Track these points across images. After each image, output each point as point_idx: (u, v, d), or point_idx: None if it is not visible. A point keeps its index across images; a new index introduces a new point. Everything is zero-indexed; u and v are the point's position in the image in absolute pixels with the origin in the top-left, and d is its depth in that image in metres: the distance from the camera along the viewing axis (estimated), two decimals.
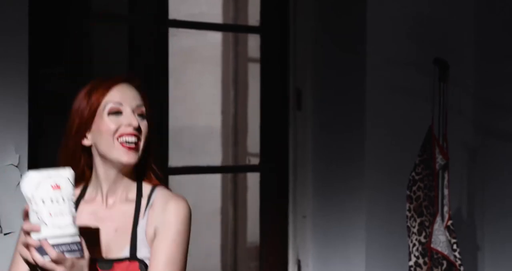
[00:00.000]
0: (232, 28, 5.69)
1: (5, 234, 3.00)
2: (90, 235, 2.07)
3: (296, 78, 4.10)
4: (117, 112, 2.12)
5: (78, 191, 2.15)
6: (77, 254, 1.90)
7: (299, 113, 4.09)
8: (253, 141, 5.38)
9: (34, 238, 1.87)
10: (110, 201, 2.16)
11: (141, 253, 2.09)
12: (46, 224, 1.87)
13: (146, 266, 2.09)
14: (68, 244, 1.89)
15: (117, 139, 2.11)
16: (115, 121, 2.12)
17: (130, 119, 2.12)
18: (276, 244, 4.12)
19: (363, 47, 3.81)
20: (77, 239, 1.91)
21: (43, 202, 1.88)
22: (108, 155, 2.12)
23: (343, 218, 3.91)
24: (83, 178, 2.18)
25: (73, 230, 1.90)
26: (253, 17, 5.14)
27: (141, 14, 3.65)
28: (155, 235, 2.11)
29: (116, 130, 2.11)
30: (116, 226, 2.13)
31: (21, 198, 3.00)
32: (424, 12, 3.94)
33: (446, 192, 3.61)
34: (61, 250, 1.88)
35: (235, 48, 5.84)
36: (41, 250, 1.86)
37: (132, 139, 2.12)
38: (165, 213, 2.13)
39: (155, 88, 3.64)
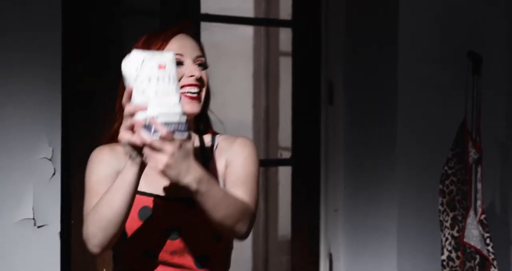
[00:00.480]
0: (264, 22, 5.68)
1: (38, 227, 3.03)
2: (159, 178, 2.00)
3: (327, 72, 4.09)
4: (178, 63, 2.08)
5: None
6: (185, 135, 1.83)
7: (330, 108, 4.09)
8: (284, 135, 5.38)
9: (140, 117, 1.81)
10: None
11: None
12: (153, 102, 1.80)
13: None
14: (176, 123, 1.82)
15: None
16: (177, 72, 2.06)
17: (192, 70, 2.10)
18: (308, 238, 4.12)
19: (395, 41, 3.79)
20: (184, 118, 1.84)
21: (149, 80, 1.81)
22: None
23: (374, 212, 3.90)
24: None
25: (180, 109, 1.84)
26: (285, 11, 5.14)
27: (172, 9, 3.65)
28: (226, 167, 2.14)
29: (179, 80, 2.07)
30: None
31: (55, 191, 3.04)
32: (456, 4, 3.92)
33: (479, 186, 3.59)
34: (170, 129, 1.80)
35: (267, 42, 5.83)
36: (148, 129, 1.79)
37: (195, 90, 2.10)
38: (232, 146, 2.16)
39: None
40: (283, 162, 4.59)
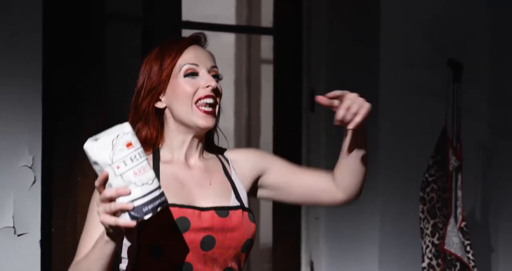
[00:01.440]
0: (246, 29, 5.69)
1: (19, 235, 3.01)
2: (183, 190, 2.03)
3: (309, 79, 4.10)
4: (193, 74, 2.07)
5: (150, 154, 2.09)
6: (166, 203, 1.84)
7: (312, 115, 4.09)
8: (266, 142, 5.38)
9: (125, 201, 1.78)
10: (191, 161, 2.13)
11: (246, 203, 2.12)
12: (135, 184, 1.80)
13: (253, 215, 2.13)
14: (159, 197, 1.82)
15: (195, 103, 2.07)
16: (192, 83, 2.08)
17: (208, 80, 2.09)
18: (289, 246, 4.12)
19: (377, 49, 3.80)
20: (162, 189, 1.84)
21: (124, 163, 1.80)
22: (185, 119, 2.08)
23: (356, 220, 3.90)
24: (153, 140, 2.11)
25: (158, 183, 1.84)
26: (266, 18, 5.14)
27: (155, 16, 3.65)
28: (260, 172, 2.20)
29: (194, 93, 2.07)
30: (209, 179, 2.11)
31: (35, 199, 3.03)
32: (438, 13, 3.93)
33: (459, 193, 3.60)
34: (156, 204, 1.81)
35: (248, 49, 5.84)
36: (137, 212, 1.79)
37: (211, 101, 2.08)
38: (250, 155, 2.22)
39: None
40: None
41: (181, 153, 2.11)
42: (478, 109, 4.03)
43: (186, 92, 2.07)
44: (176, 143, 2.11)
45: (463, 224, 3.59)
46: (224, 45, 5.68)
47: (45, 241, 3.11)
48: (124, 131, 1.83)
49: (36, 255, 3.05)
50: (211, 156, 2.18)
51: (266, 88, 5.40)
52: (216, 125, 2.15)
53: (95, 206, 1.90)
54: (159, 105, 2.10)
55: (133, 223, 1.79)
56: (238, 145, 5.86)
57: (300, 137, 4.11)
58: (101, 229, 1.88)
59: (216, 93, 2.10)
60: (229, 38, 5.75)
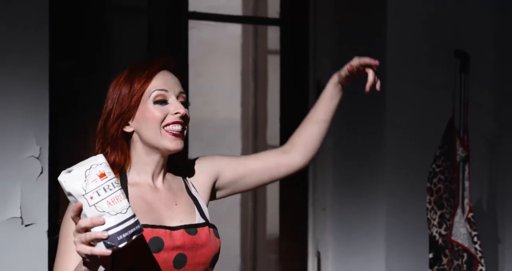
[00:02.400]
0: (252, 20, 5.68)
1: (26, 226, 3.02)
2: (152, 211, 2.07)
3: (316, 70, 4.09)
4: (162, 101, 2.11)
5: (117, 177, 2.11)
6: (142, 231, 1.88)
7: None
8: (272, 133, 5.38)
9: (99, 230, 1.82)
10: (157, 183, 2.16)
11: (210, 219, 2.18)
12: (109, 213, 1.83)
13: (217, 231, 2.18)
14: (133, 225, 1.85)
15: (163, 128, 2.11)
16: (161, 109, 2.11)
17: (177, 107, 2.12)
18: (296, 237, 4.12)
19: (383, 39, 3.79)
20: (137, 218, 1.88)
21: (98, 193, 1.84)
22: (154, 143, 2.12)
23: (363, 210, 3.90)
24: (121, 164, 2.14)
25: (132, 212, 1.87)
26: (273, 9, 5.14)
27: (160, 6, 3.65)
28: (216, 177, 2.28)
29: (163, 119, 2.11)
30: (174, 200, 2.15)
31: (42, 190, 3.03)
32: (444, 3, 3.92)
33: (466, 184, 3.60)
34: (130, 232, 1.84)
35: (255, 40, 5.83)
36: (112, 241, 1.82)
37: (179, 128, 2.12)
38: (202, 167, 2.27)
39: None
40: None
41: (147, 175, 2.15)
42: (485, 100, 4.02)
43: (155, 118, 2.10)
44: (142, 165, 2.15)
45: (470, 214, 3.58)
46: (230, 36, 5.67)
47: (53, 231, 3.12)
48: (97, 162, 1.87)
49: (44, 246, 3.06)
50: (174, 176, 2.21)
51: (273, 79, 5.40)
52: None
53: (68, 232, 1.96)
54: (127, 129, 2.13)
55: (108, 252, 1.81)
56: (245, 136, 5.85)
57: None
58: (74, 256, 1.92)
59: (185, 119, 2.14)
60: (236, 29, 5.74)
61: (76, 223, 1.84)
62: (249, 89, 5.87)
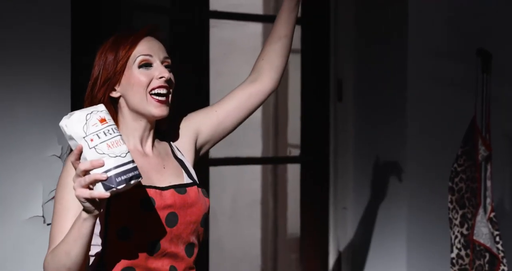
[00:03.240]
0: (273, 19, 5.67)
1: (48, 224, 3.03)
2: (143, 174, 2.08)
3: (337, 69, 4.08)
4: (147, 65, 2.15)
5: None
6: (140, 178, 1.91)
7: (340, 105, 4.08)
8: (293, 132, 5.37)
9: (98, 172, 1.85)
10: (146, 149, 2.21)
11: (197, 180, 2.23)
12: (108, 155, 1.87)
13: (206, 190, 2.24)
14: (132, 169, 1.89)
15: (149, 92, 2.15)
16: (146, 74, 2.15)
17: (161, 71, 2.15)
18: (317, 236, 4.12)
19: (405, 38, 3.78)
20: (135, 164, 1.91)
21: (98, 136, 1.88)
22: (139, 108, 2.16)
23: (384, 210, 3.89)
24: None
25: (131, 157, 1.91)
26: None
27: (181, 5, 3.65)
28: (197, 135, 2.33)
29: (148, 83, 2.15)
30: (162, 164, 2.20)
31: None
32: (466, 2, 3.90)
33: (488, 183, 3.58)
34: (129, 176, 1.88)
35: None
36: (110, 182, 1.85)
37: (164, 91, 2.16)
38: (182, 131, 2.32)
39: (196, 79, 3.65)
40: (292, 160, 4.60)
41: (136, 140, 2.20)
42: (507, 99, 4.00)
43: (140, 83, 2.14)
44: (130, 130, 2.19)
45: (492, 214, 3.57)
46: (251, 34, 5.67)
47: None
48: (98, 109, 1.93)
49: None
50: (159, 141, 2.27)
51: (294, 78, 5.39)
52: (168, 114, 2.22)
53: (63, 194, 2.02)
54: (114, 94, 2.18)
55: (107, 194, 1.85)
56: (266, 135, 5.85)
57: (328, 127, 4.10)
58: (71, 215, 1.98)
59: (169, 83, 2.17)
60: (257, 28, 5.74)
61: (75, 168, 1.88)
62: None
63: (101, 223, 2.04)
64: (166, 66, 2.18)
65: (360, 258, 4.03)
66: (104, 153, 1.87)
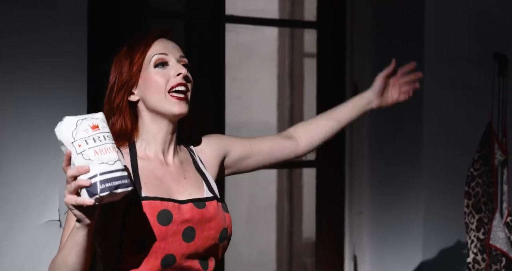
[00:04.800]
0: (289, 23, 5.68)
1: None
2: (162, 185, 2.10)
3: (352, 73, 4.08)
4: (163, 64, 2.14)
5: (127, 149, 2.15)
6: (129, 188, 1.89)
7: None
8: None
9: (84, 178, 1.84)
10: (168, 158, 2.18)
11: (217, 194, 2.20)
12: (94, 161, 1.85)
13: (226, 205, 2.21)
14: (119, 178, 1.87)
15: (168, 93, 2.13)
16: (163, 73, 2.13)
17: (178, 68, 2.14)
18: (332, 240, 4.12)
19: (421, 42, 3.78)
20: (126, 173, 1.89)
21: (86, 142, 1.87)
22: (159, 108, 2.13)
23: (400, 214, 3.88)
24: (128, 131, 2.16)
25: (121, 165, 1.89)
26: (310, 12, 5.14)
27: (198, 10, 3.66)
28: (223, 157, 2.33)
29: (166, 83, 2.13)
30: (183, 175, 2.18)
31: None
32: (482, 6, 3.89)
33: (505, 188, 3.57)
34: (115, 184, 1.86)
35: (292, 43, 5.84)
36: (94, 189, 1.84)
37: (183, 88, 2.13)
38: (210, 145, 2.30)
39: (212, 84, 3.66)
40: (308, 164, 4.59)
41: (158, 147, 2.17)
42: None
43: (158, 83, 2.13)
44: (151, 135, 2.16)
45: (509, 218, 3.55)
46: (267, 39, 5.68)
47: None
48: (94, 116, 1.92)
49: None
50: (183, 150, 2.24)
51: (309, 82, 5.40)
52: (189, 113, 2.19)
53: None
54: (132, 98, 2.16)
55: (90, 201, 1.84)
56: None
57: (343, 131, 4.10)
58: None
59: (187, 80, 2.15)
60: (272, 32, 5.75)
61: (65, 172, 1.88)
62: (286, 93, 5.87)
63: (117, 234, 2.03)
64: (183, 65, 2.16)
65: (376, 263, 4.03)
66: (90, 159, 1.85)
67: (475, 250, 3.54)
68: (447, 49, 3.81)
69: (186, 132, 2.25)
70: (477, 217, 3.55)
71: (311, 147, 2.48)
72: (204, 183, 2.19)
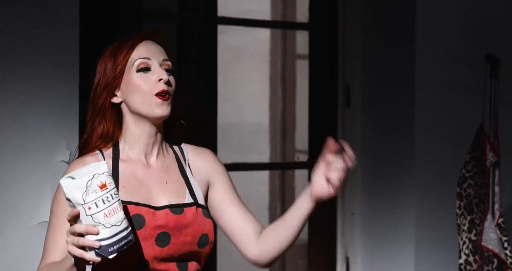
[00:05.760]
0: (281, 25, 5.69)
1: None
2: (141, 188, 2.10)
3: (345, 75, 4.08)
4: (145, 69, 2.14)
5: (109, 151, 2.16)
6: (132, 241, 1.93)
7: (347, 110, 4.08)
8: (301, 138, 5.38)
9: (92, 239, 1.87)
10: (151, 160, 2.18)
11: (200, 200, 2.17)
12: (104, 225, 1.89)
13: (208, 211, 2.18)
14: (125, 237, 1.91)
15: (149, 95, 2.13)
16: (145, 78, 2.13)
17: (159, 74, 2.13)
18: (325, 242, 4.11)
19: (413, 44, 3.78)
20: (130, 229, 1.93)
21: (96, 205, 1.89)
22: (141, 110, 2.13)
23: (392, 215, 3.89)
24: (109, 134, 2.17)
25: (126, 223, 1.92)
26: (302, 13, 5.14)
27: (190, 12, 3.66)
28: (209, 182, 2.23)
29: (148, 88, 2.12)
30: (165, 178, 2.17)
31: None
32: (474, 7, 3.90)
33: (497, 189, 3.58)
34: (122, 244, 1.90)
35: (284, 44, 5.84)
36: (104, 252, 1.88)
37: (163, 94, 2.12)
38: (208, 162, 2.25)
39: (204, 85, 3.65)
40: (300, 165, 4.60)
41: (141, 149, 2.17)
42: None
43: (139, 87, 2.13)
44: (135, 137, 2.16)
45: (500, 220, 3.56)
46: (259, 40, 5.69)
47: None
48: (100, 171, 1.92)
49: None
50: (171, 154, 2.22)
51: (302, 84, 5.40)
52: (176, 116, 2.19)
53: (58, 208, 2.05)
54: (115, 100, 2.16)
55: (97, 259, 1.89)
56: (273, 140, 5.86)
57: (336, 133, 4.10)
58: (64, 231, 1.98)
59: (169, 85, 2.14)
60: (264, 34, 5.75)
61: (71, 225, 1.90)
62: (278, 94, 5.88)
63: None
64: (166, 69, 2.16)
65: (368, 264, 4.03)
66: (100, 223, 1.88)
67: (467, 251, 3.55)
68: (439, 51, 3.82)
69: (175, 137, 2.25)
70: (469, 218, 3.56)
71: (269, 260, 2.26)
72: (186, 188, 2.18)
